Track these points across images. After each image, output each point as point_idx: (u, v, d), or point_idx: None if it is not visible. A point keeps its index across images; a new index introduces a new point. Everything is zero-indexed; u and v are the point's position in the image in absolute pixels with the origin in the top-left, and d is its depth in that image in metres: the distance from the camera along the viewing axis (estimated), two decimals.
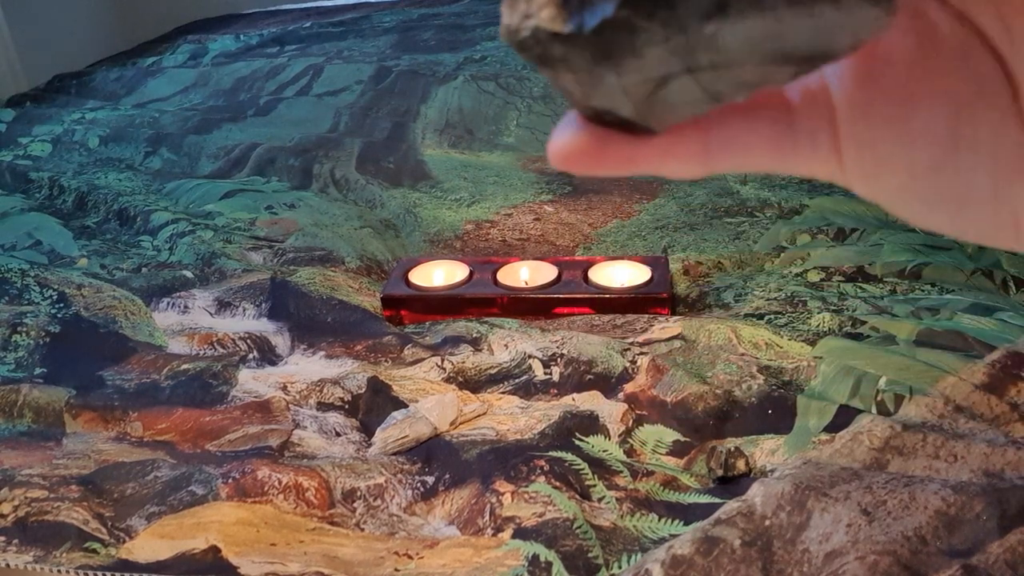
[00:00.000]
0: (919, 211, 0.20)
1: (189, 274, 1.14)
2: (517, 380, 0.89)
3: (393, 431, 0.81)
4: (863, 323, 0.90)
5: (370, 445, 0.82)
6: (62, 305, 1.05)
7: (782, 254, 1.10)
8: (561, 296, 1.00)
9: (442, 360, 0.91)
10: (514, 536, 0.68)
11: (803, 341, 0.88)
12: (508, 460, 0.75)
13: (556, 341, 0.91)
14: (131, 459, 0.80)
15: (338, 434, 0.84)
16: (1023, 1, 0.16)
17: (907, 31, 0.19)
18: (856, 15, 0.16)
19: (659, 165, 0.20)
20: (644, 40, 0.17)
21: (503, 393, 0.87)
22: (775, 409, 0.79)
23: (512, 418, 0.83)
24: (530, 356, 0.90)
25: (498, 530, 0.69)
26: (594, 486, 0.73)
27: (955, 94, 0.18)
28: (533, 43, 0.18)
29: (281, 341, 0.99)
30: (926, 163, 0.19)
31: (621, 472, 0.75)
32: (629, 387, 0.85)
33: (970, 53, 0.19)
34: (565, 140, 0.19)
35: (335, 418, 0.85)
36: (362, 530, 0.72)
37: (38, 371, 0.94)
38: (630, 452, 0.78)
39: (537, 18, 0.17)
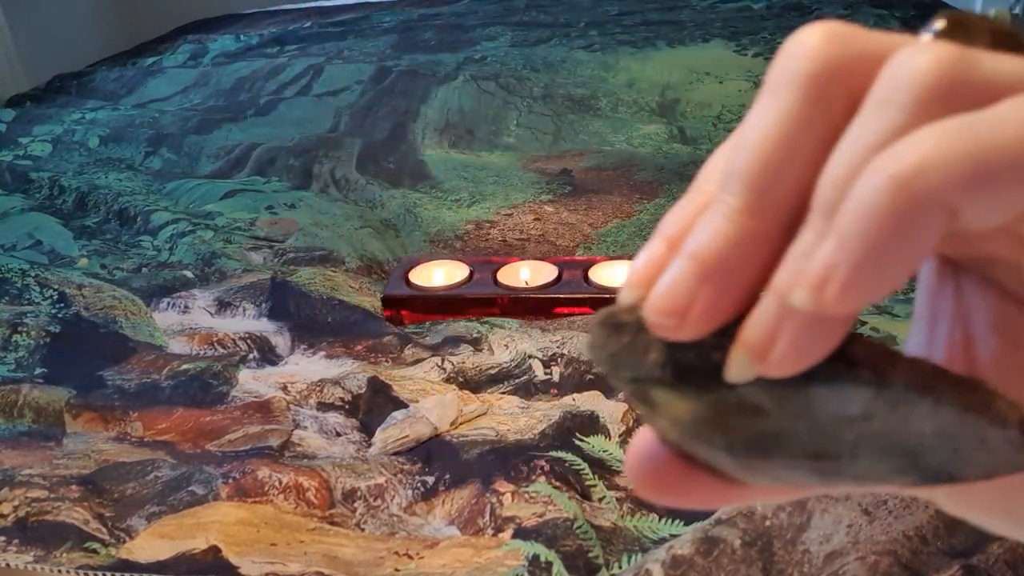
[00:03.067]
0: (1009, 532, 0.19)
1: (189, 274, 1.13)
2: (517, 380, 0.89)
3: (393, 431, 0.81)
4: (863, 323, 0.90)
5: (370, 445, 0.82)
6: (62, 305, 1.05)
7: None
8: (561, 296, 1.00)
9: (442, 360, 0.91)
10: (514, 536, 0.68)
11: None
12: (508, 460, 0.75)
13: (556, 341, 0.91)
14: (131, 459, 0.80)
15: (338, 434, 0.84)
16: None
17: (1005, 363, 0.18)
18: (996, 454, 0.16)
19: (744, 502, 0.20)
20: (769, 424, 0.16)
21: (503, 393, 0.87)
22: None
23: (512, 418, 0.83)
24: (530, 356, 0.90)
25: (498, 530, 0.69)
26: (594, 486, 0.73)
27: None
28: (633, 378, 0.17)
29: (281, 341, 0.99)
30: (1022, 514, 0.18)
31: (621, 472, 0.75)
32: None
33: None
34: (650, 467, 0.18)
35: (335, 418, 0.85)
36: (362, 530, 0.72)
37: (38, 371, 0.94)
38: None
39: (643, 357, 0.16)
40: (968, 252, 0.17)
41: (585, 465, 0.75)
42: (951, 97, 0.14)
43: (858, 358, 0.16)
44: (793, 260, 0.15)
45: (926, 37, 0.15)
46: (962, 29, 0.15)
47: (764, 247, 0.15)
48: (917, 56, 0.14)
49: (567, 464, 0.75)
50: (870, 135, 0.14)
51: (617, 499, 0.72)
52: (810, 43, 0.15)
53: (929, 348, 0.19)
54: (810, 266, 0.14)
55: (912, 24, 1.82)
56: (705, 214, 0.16)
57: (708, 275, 0.15)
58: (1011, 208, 0.14)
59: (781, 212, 0.15)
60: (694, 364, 0.16)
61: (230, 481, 0.75)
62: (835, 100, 0.15)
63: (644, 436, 0.19)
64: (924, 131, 0.13)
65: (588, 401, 0.84)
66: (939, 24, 0.15)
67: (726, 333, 0.16)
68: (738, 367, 0.16)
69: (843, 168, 0.14)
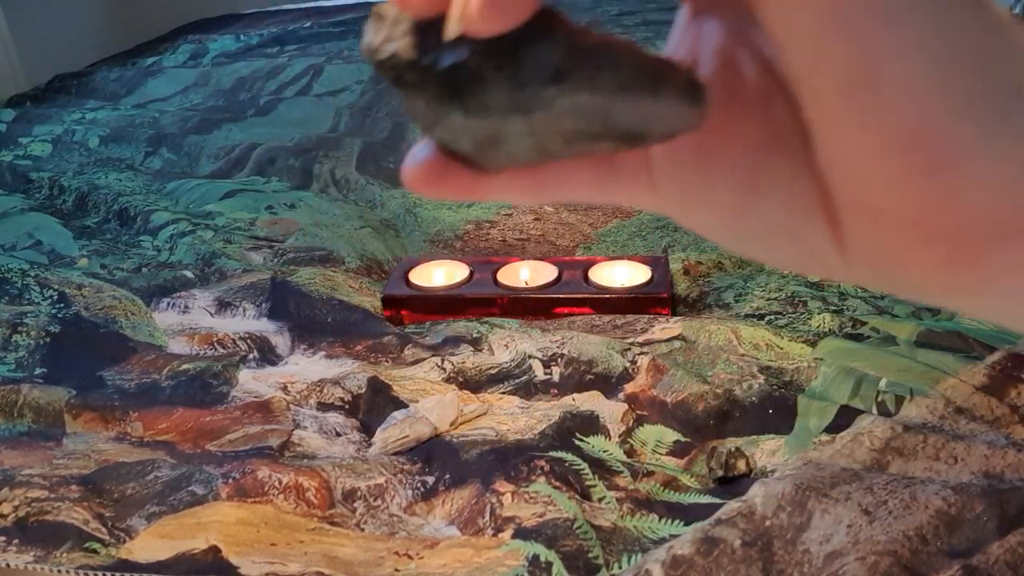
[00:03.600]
0: (731, 244, 0.21)
1: (189, 274, 1.13)
2: (517, 380, 0.89)
3: (393, 431, 0.81)
4: (863, 323, 0.90)
5: (370, 445, 0.82)
6: (62, 305, 1.05)
7: None
8: (561, 296, 1.00)
9: (442, 360, 0.91)
10: (514, 536, 0.68)
11: (803, 341, 0.88)
12: (508, 460, 0.75)
13: (556, 341, 0.91)
14: (131, 459, 0.80)
15: (338, 434, 0.84)
16: (819, 52, 0.17)
17: (714, 77, 0.20)
18: (672, 111, 0.18)
19: (495, 196, 0.21)
20: (490, 90, 0.18)
21: (503, 393, 0.87)
22: (776, 409, 0.79)
23: (512, 418, 0.83)
24: (530, 356, 0.90)
25: (498, 530, 0.69)
26: (594, 486, 0.73)
27: (753, 141, 0.19)
28: (390, 66, 0.19)
29: (281, 341, 0.99)
30: (728, 204, 0.20)
31: (621, 472, 0.75)
32: (629, 387, 0.85)
33: (770, 101, 0.20)
34: (415, 163, 0.21)
35: (335, 418, 0.85)
36: (362, 530, 0.72)
37: (38, 371, 0.94)
38: (630, 452, 0.78)
39: (397, 44, 0.18)
40: None
41: (585, 465, 0.75)
42: None
43: (558, 29, 0.18)
44: None
45: None
46: None
47: None
48: None
49: (567, 464, 0.75)
50: None
51: (617, 499, 0.72)
52: None
53: None
54: None
55: None
56: None
57: None
58: None
59: None
60: (436, 42, 0.18)
61: (230, 481, 0.75)
62: None
63: (417, 143, 0.21)
64: None
65: (588, 401, 0.84)
66: None
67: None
68: (452, 25, 0.17)
69: None
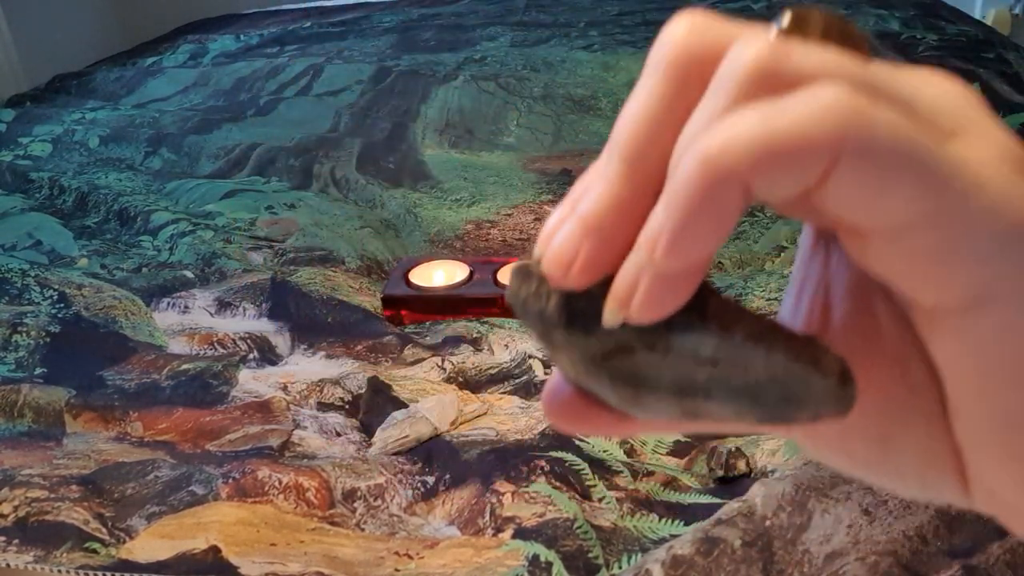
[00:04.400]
0: (865, 479, 0.22)
1: (189, 274, 1.13)
2: (517, 380, 0.89)
3: (393, 431, 0.81)
4: None
5: (370, 445, 0.82)
6: (62, 305, 1.05)
7: (782, 254, 1.10)
8: None
9: (442, 360, 0.91)
10: (514, 536, 0.68)
11: None
12: (508, 460, 0.75)
13: None
14: (131, 459, 0.80)
15: (338, 434, 0.84)
16: (952, 324, 0.17)
17: (847, 320, 0.20)
18: (819, 402, 0.19)
19: (640, 435, 0.22)
20: (639, 365, 0.19)
21: (503, 393, 0.87)
22: None
23: (512, 418, 0.83)
24: (530, 356, 0.90)
25: (498, 530, 0.69)
26: (594, 486, 0.73)
27: (888, 396, 0.19)
28: (538, 322, 0.20)
29: (281, 341, 0.99)
30: (861, 459, 0.21)
31: (621, 472, 0.75)
32: None
33: (908, 356, 0.19)
34: (557, 399, 0.22)
35: (335, 418, 0.85)
36: (362, 530, 0.72)
37: (38, 371, 0.94)
38: (630, 452, 0.78)
39: (547, 304, 0.19)
40: (826, 223, 0.18)
41: (585, 465, 0.75)
42: (764, 85, 0.16)
43: (710, 311, 0.19)
44: (647, 223, 0.17)
45: (772, 30, 0.17)
46: (801, 22, 0.17)
47: (636, 209, 0.18)
48: (742, 48, 0.16)
49: (567, 464, 0.75)
50: (703, 116, 0.16)
51: (617, 499, 0.71)
52: (675, 33, 0.18)
53: (795, 312, 0.22)
54: (646, 229, 0.17)
55: (912, 24, 1.82)
56: (592, 180, 0.18)
57: (588, 232, 0.18)
58: (793, 185, 0.16)
59: (649, 179, 0.18)
60: (585, 310, 0.19)
61: (230, 481, 0.75)
62: (692, 84, 0.17)
63: (555, 376, 0.22)
64: (734, 115, 0.16)
65: None
66: (784, 19, 0.18)
67: (609, 284, 0.18)
68: (610, 313, 0.18)
69: (682, 144, 0.17)
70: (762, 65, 0.16)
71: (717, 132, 0.16)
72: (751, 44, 0.16)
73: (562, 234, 0.18)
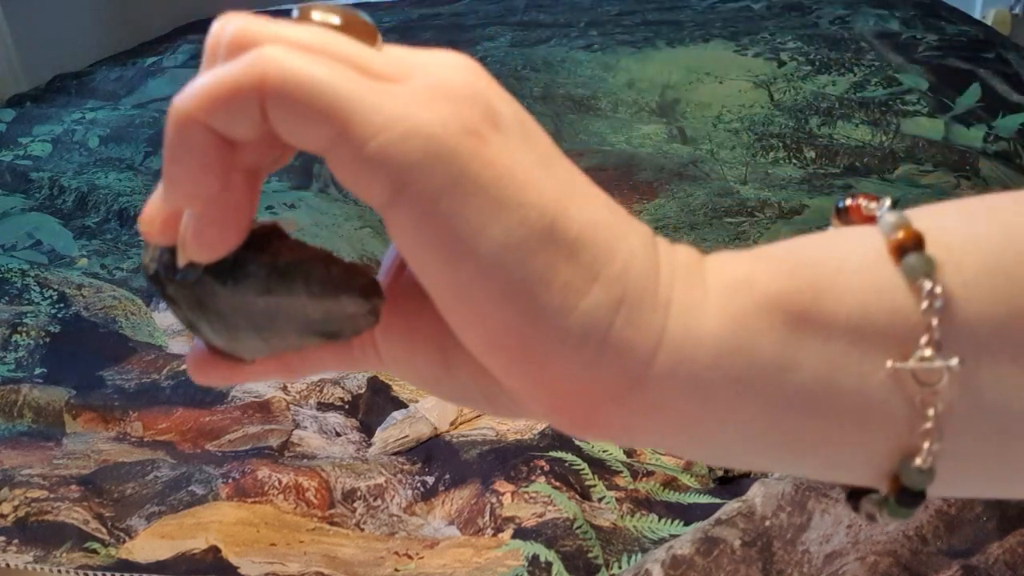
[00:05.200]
0: (442, 397, 0.25)
1: None
2: None
3: (393, 431, 0.81)
4: None
5: (370, 445, 0.82)
6: (62, 305, 1.05)
7: None
8: None
9: None
10: (514, 536, 0.68)
11: None
12: (508, 460, 0.75)
13: None
14: (131, 459, 0.80)
15: (338, 434, 0.84)
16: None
17: (412, 280, 0.24)
18: (352, 315, 0.22)
19: (255, 379, 0.26)
20: (219, 301, 0.22)
21: None
22: None
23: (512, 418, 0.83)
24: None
25: (498, 530, 0.69)
26: (594, 486, 0.73)
27: (440, 326, 0.22)
28: (155, 280, 0.23)
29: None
30: (430, 374, 0.24)
31: (621, 472, 0.75)
32: None
33: None
34: (191, 357, 0.25)
35: (335, 418, 0.85)
36: (362, 530, 0.72)
37: (38, 371, 0.94)
38: (630, 452, 0.78)
39: (158, 263, 0.22)
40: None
41: (585, 465, 0.75)
42: (231, 51, 0.20)
43: (269, 249, 0.22)
44: None
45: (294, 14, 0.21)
46: (305, 11, 0.21)
47: None
48: (218, 23, 0.20)
49: (567, 464, 0.75)
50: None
51: (617, 499, 0.72)
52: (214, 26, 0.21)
53: (383, 268, 0.25)
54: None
55: (911, 24, 1.82)
56: None
57: (163, 194, 0.21)
58: (245, 122, 0.19)
59: None
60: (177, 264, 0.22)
61: (230, 481, 0.75)
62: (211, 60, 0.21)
63: (195, 341, 0.25)
64: (200, 76, 0.19)
65: None
66: (295, 11, 0.21)
67: None
68: (179, 256, 0.22)
69: None
70: (225, 34, 0.20)
71: (184, 90, 0.19)
72: (225, 20, 0.20)
73: (150, 199, 0.22)
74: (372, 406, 0.86)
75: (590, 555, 0.66)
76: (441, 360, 0.24)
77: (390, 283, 0.24)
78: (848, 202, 0.24)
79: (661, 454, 0.77)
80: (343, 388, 0.88)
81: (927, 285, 0.20)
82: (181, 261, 0.22)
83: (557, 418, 0.22)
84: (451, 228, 0.19)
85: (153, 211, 0.22)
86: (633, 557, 0.66)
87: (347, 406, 0.86)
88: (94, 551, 0.70)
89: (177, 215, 0.22)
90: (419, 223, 0.19)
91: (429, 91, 0.20)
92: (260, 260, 0.22)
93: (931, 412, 0.21)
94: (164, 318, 1.05)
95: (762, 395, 0.21)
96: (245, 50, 0.19)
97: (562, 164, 0.22)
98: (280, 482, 0.75)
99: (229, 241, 0.21)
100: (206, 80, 0.19)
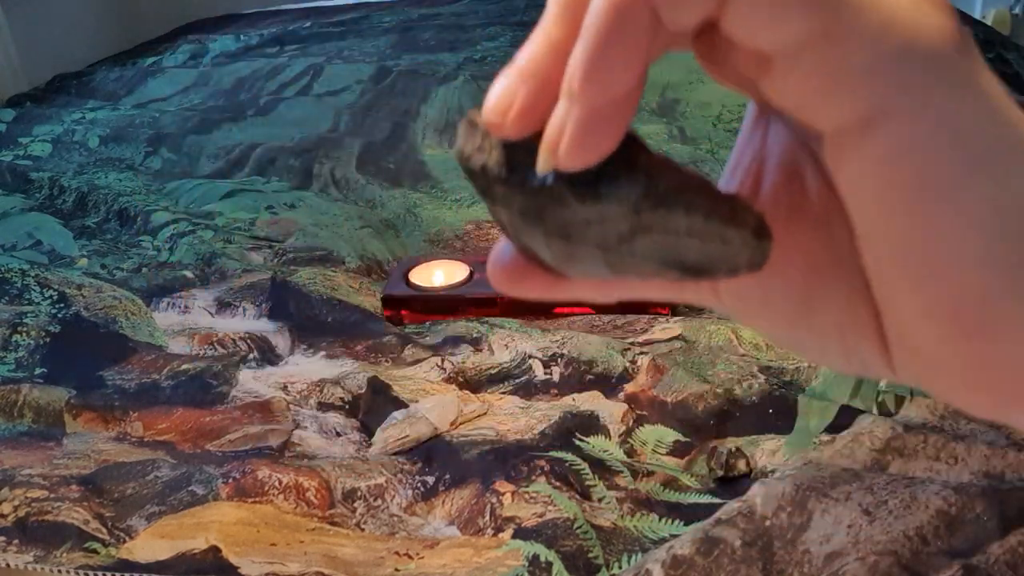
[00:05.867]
0: (787, 348, 0.23)
1: (189, 274, 1.13)
2: (517, 380, 0.89)
3: (393, 431, 0.81)
4: None
5: (370, 445, 0.82)
6: (62, 305, 1.05)
7: None
8: None
9: (442, 360, 0.91)
10: (514, 536, 0.68)
11: None
12: (508, 460, 0.75)
13: (556, 341, 0.91)
14: (131, 459, 0.80)
15: (338, 434, 0.84)
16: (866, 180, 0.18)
17: (779, 190, 0.21)
18: (736, 254, 0.20)
19: (572, 297, 0.23)
20: (570, 217, 0.19)
21: (503, 393, 0.87)
22: (776, 409, 0.79)
23: (512, 418, 0.83)
24: (530, 356, 0.90)
25: (498, 530, 0.69)
26: (594, 486, 0.73)
27: (812, 261, 0.20)
28: (480, 176, 0.20)
29: (281, 341, 0.99)
30: (783, 318, 0.21)
31: (621, 472, 0.75)
32: (629, 387, 0.85)
33: (834, 222, 0.20)
34: (499, 263, 0.23)
35: (335, 418, 0.85)
36: (362, 530, 0.72)
37: (38, 371, 0.94)
38: (630, 452, 0.78)
39: (489, 157, 0.19)
40: (760, 94, 0.19)
41: (585, 465, 0.75)
42: None
43: (639, 164, 0.19)
44: (569, 63, 0.17)
45: None
46: None
47: (570, 52, 0.17)
48: None
49: (567, 464, 0.75)
50: None
51: (617, 499, 0.71)
52: None
53: (727, 183, 0.22)
54: (568, 66, 0.17)
55: None
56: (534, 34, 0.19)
57: (524, 78, 0.18)
58: (695, 6, 0.16)
59: (579, 20, 0.17)
60: (523, 162, 0.19)
61: (230, 481, 0.75)
62: None
63: (500, 241, 0.23)
64: None
65: (588, 401, 0.84)
66: None
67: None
68: (542, 160, 0.18)
69: None
70: None
71: None
72: None
73: (500, 83, 0.19)
74: (372, 406, 0.86)
75: (590, 555, 0.66)
76: (803, 305, 0.21)
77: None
78: None
79: (662, 453, 0.78)
80: (343, 388, 0.88)
81: None
82: (543, 164, 0.19)
83: (975, 397, 0.19)
84: (941, 169, 0.16)
85: (508, 97, 0.19)
86: (633, 557, 0.66)
87: (347, 406, 0.86)
88: (94, 551, 0.70)
89: (540, 106, 0.18)
90: (896, 157, 0.16)
91: None
92: (633, 176, 0.19)
93: None
94: (164, 318, 1.05)
95: None
96: None
97: None
98: (280, 482, 0.75)
99: (610, 148, 0.18)
100: None
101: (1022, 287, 0.17)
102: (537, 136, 0.19)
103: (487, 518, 0.71)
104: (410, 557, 0.68)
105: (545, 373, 0.89)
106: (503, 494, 0.72)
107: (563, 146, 0.18)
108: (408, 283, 1.04)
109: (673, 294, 0.23)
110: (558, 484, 0.72)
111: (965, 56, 0.16)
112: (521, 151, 0.19)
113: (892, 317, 0.19)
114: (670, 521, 0.69)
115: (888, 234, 0.18)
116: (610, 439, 0.79)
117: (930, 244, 0.17)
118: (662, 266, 0.20)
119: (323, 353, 0.96)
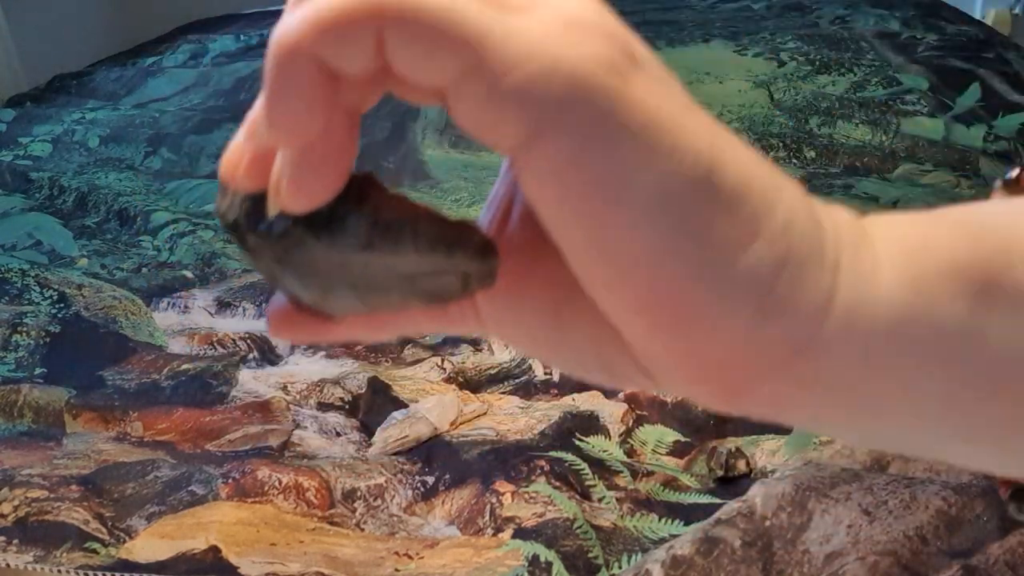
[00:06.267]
0: (557, 367, 0.23)
1: (189, 274, 1.13)
2: (517, 380, 0.89)
3: (393, 431, 0.81)
4: None
5: (370, 445, 0.82)
6: (62, 305, 1.05)
7: None
8: None
9: (442, 360, 0.91)
10: (514, 536, 0.68)
11: None
12: (508, 460, 0.75)
13: None
14: (131, 459, 0.80)
15: (338, 434, 0.84)
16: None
17: (522, 223, 0.22)
18: (463, 278, 0.21)
19: (343, 338, 0.24)
20: (312, 255, 0.20)
21: (503, 393, 0.87)
22: None
23: (512, 418, 0.83)
24: (530, 356, 0.90)
25: (498, 530, 0.69)
26: (594, 486, 0.73)
27: (555, 283, 0.21)
28: (235, 230, 0.21)
29: (281, 341, 0.99)
30: (541, 338, 0.22)
31: (621, 472, 0.75)
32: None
33: None
34: (273, 312, 0.23)
35: (335, 418, 0.85)
36: (362, 530, 0.72)
37: (38, 371, 0.94)
38: (630, 452, 0.78)
39: (239, 211, 0.20)
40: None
41: (585, 465, 0.75)
42: None
43: (369, 201, 0.20)
44: None
45: None
46: None
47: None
48: None
49: (567, 464, 0.75)
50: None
51: (617, 499, 0.71)
52: None
53: (484, 215, 0.24)
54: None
55: (912, 24, 1.82)
56: None
57: (250, 136, 0.20)
58: (358, 55, 0.17)
59: None
60: (266, 212, 0.20)
61: (230, 481, 0.75)
62: None
63: (277, 292, 0.23)
64: (303, 5, 0.17)
65: (588, 401, 0.84)
66: None
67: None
68: (270, 204, 0.20)
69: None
70: None
71: (285, 19, 0.18)
72: None
73: (232, 141, 0.20)
74: (372, 406, 0.86)
75: (590, 555, 0.66)
76: (554, 322, 0.22)
77: (494, 238, 0.22)
78: (1016, 173, 0.22)
79: (662, 453, 0.78)
80: (343, 388, 0.88)
81: None
82: (272, 210, 0.20)
83: (700, 389, 0.20)
84: (598, 175, 0.18)
85: (237, 154, 0.20)
86: (633, 557, 0.66)
87: (347, 406, 0.86)
88: (94, 551, 0.70)
89: (264, 159, 0.20)
90: (560, 169, 0.18)
91: (561, 22, 0.18)
92: (361, 212, 0.20)
93: None
94: (164, 318, 1.05)
95: (945, 369, 0.19)
96: None
97: (701, 110, 0.19)
98: (280, 482, 0.75)
99: (328, 189, 0.19)
100: (315, 6, 0.17)
101: (711, 277, 0.18)
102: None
103: (487, 518, 0.71)
104: (410, 557, 0.68)
105: (545, 373, 0.89)
106: (503, 494, 0.72)
107: (283, 190, 0.19)
108: None
109: (440, 325, 0.24)
110: (558, 484, 0.72)
111: (615, 76, 0.18)
112: (262, 203, 0.20)
113: (612, 319, 0.20)
114: (670, 521, 0.69)
115: (572, 242, 0.19)
116: (610, 439, 0.79)
117: (608, 245, 0.18)
118: (406, 295, 0.21)
119: (323, 353, 0.96)
